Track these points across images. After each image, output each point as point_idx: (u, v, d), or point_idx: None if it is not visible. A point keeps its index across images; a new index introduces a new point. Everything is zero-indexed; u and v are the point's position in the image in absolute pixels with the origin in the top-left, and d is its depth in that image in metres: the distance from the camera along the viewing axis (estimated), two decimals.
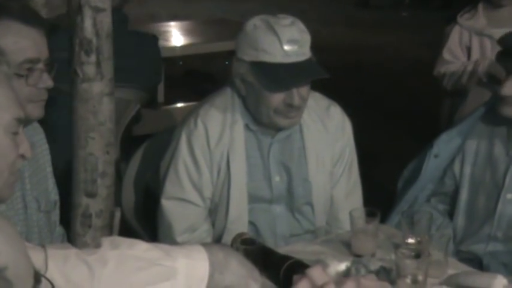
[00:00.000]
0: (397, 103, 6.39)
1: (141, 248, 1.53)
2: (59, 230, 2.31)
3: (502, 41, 2.52)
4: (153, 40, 4.07)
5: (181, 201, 2.52)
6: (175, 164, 2.52)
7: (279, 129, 2.51)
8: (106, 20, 2.38)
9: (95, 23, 2.36)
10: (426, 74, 3.87)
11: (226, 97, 2.54)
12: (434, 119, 3.94)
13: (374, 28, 9.22)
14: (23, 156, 1.64)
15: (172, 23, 6.10)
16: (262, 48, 2.38)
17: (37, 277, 1.22)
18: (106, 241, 1.54)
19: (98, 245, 1.52)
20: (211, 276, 1.56)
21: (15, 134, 1.61)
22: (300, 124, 2.54)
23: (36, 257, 1.44)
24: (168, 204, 2.52)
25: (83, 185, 2.43)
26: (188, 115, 2.58)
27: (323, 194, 2.59)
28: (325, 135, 2.58)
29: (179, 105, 5.15)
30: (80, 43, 2.36)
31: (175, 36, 5.60)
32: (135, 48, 3.76)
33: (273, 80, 2.38)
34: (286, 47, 2.37)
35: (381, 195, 2.84)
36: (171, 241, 2.51)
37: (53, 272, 1.45)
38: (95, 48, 2.37)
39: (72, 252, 1.51)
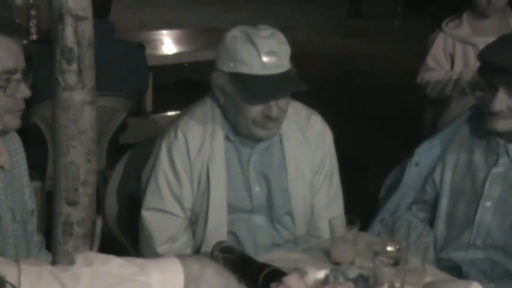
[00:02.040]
0: (388, 112, 6.42)
1: (114, 263, 1.52)
2: (37, 239, 2.31)
3: (481, 56, 2.53)
4: (139, 49, 4.09)
5: (162, 212, 2.52)
6: (155, 175, 2.52)
7: (257, 140, 2.52)
8: (87, 29, 2.39)
9: (76, 31, 2.37)
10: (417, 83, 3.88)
11: (206, 108, 2.54)
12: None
13: (366, 37, 9.24)
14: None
15: (164, 32, 6.11)
16: (240, 60, 2.38)
17: (1, 283, 1.23)
18: (80, 258, 1.52)
19: (72, 262, 1.51)
20: None
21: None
22: (280, 134, 2.55)
23: (10, 272, 1.44)
24: (148, 215, 2.53)
25: (64, 193, 2.44)
26: (168, 126, 2.59)
27: (303, 204, 2.59)
28: (305, 145, 2.58)
29: (168, 113, 5.15)
30: (61, 51, 2.37)
31: (167, 44, 5.61)
32: (122, 57, 3.77)
33: (251, 92, 2.38)
34: (264, 59, 2.36)
35: (368, 204, 2.86)
36: (152, 251, 2.52)
37: None
38: (76, 56, 2.38)
39: (45, 269, 1.50)
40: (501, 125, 2.46)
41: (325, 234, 2.39)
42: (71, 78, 2.38)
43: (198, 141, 2.51)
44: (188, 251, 2.54)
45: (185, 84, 6.59)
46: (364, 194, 3.33)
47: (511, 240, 2.47)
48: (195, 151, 2.50)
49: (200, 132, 2.51)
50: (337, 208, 2.67)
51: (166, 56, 5.34)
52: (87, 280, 1.48)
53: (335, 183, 2.67)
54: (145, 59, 4.06)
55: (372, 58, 8.28)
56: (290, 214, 2.59)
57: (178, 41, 5.80)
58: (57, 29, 2.36)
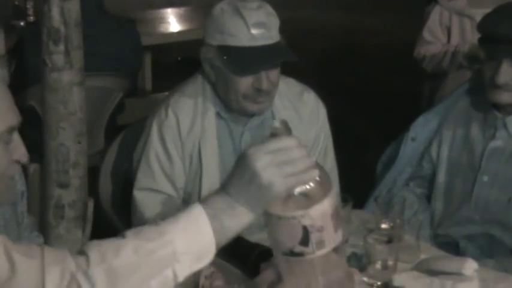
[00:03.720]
0: (391, 86, 6.35)
1: (128, 249, 1.44)
2: (28, 220, 2.28)
3: (481, 27, 2.48)
4: (129, 24, 3.99)
5: (154, 192, 2.49)
6: (147, 155, 2.49)
7: (249, 115, 2.48)
8: (74, 9, 2.36)
9: (63, 11, 2.34)
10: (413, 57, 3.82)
11: (196, 85, 2.51)
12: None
13: (370, 12, 9.16)
14: (18, 162, 1.60)
15: (169, 10, 6.06)
16: (228, 32, 2.35)
17: None
18: (93, 252, 1.45)
19: (83, 252, 1.45)
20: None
21: (8, 142, 1.56)
22: (272, 111, 2.51)
23: (31, 269, 1.42)
24: (140, 195, 2.50)
25: (55, 175, 2.42)
26: (159, 105, 2.55)
27: None
28: (299, 122, 2.55)
29: (168, 93, 5.10)
30: (48, 32, 2.35)
31: (172, 22, 5.57)
32: (111, 34, 3.70)
33: (240, 63, 2.35)
34: (252, 31, 2.33)
35: (369, 181, 2.82)
36: None
37: None
38: (63, 37, 2.35)
39: (66, 266, 1.44)
40: (506, 98, 2.42)
41: None
42: (59, 59, 2.36)
43: (189, 119, 2.48)
44: None
45: (189, 63, 6.55)
46: (364, 170, 3.29)
47: (509, 215, 2.43)
48: (186, 129, 2.47)
49: (191, 110, 2.48)
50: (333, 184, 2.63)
51: (172, 34, 5.29)
52: (103, 280, 1.43)
53: (330, 159, 2.63)
54: (136, 34, 3.96)
55: (375, 32, 8.20)
56: None
57: (183, 18, 5.75)
58: (43, 10, 2.34)
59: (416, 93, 3.91)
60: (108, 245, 1.46)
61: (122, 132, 2.91)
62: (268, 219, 1.56)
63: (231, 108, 2.46)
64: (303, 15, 8.81)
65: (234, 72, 2.36)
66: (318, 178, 1.53)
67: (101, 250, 1.44)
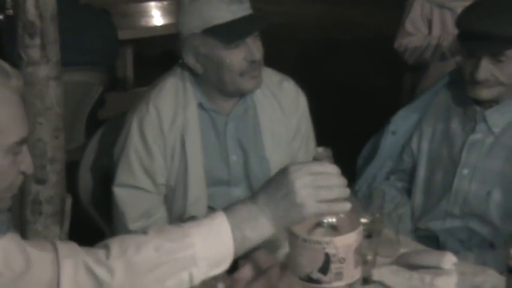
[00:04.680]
0: (375, 81, 6.35)
1: (150, 247, 1.47)
2: (3, 216, 2.25)
3: (459, 23, 2.47)
4: (104, 15, 3.95)
5: (133, 188, 2.47)
6: (126, 151, 2.47)
7: (245, 94, 2.48)
8: (50, 1, 2.33)
9: (38, 4, 2.31)
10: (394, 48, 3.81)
11: (176, 78, 2.49)
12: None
13: (354, 5, 9.15)
14: (23, 173, 1.59)
15: (152, 3, 6.04)
16: (209, 15, 2.37)
17: None
18: (115, 245, 1.48)
19: (106, 246, 1.47)
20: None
21: (17, 154, 1.54)
22: (253, 100, 2.51)
23: (46, 263, 1.44)
24: (119, 192, 2.48)
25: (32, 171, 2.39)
26: (139, 100, 2.53)
27: None
28: (280, 111, 2.55)
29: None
30: (23, 26, 2.32)
31: (155, 16, 5.55)
32: (87, 26, 3.66)
33: (229, 35, 2.36)
34: (231, 7, 2.36)
35: (350, 175, 2.79)
36: (125, 229, 2.47)
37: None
38: (39, 30, 2.32)
39: (80, 260, 1.46)
40: (485, 93, 2.41)
41: None
42: (35, 53, 2.33)
43: (171, 113, 2.46)
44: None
45: (172, 57, 6.52)
46: (346, 165, 3.28)
47: (488, 208, 2.43)
48: (168, 123, 2.45)
49: (172, 104, 2.46)
50: None
51: (154, 28, 5.27)
52: (122, 274, 1.45)
53: (312, 147, 2.62)
54: (112, 27, 3.93)
55: (357, 25, 8.20)
56: None
57: (166, 12, 5.73)
58: (18, 3, 2.31)
59: (397, 86, 3.90)
60: (130, 240, 1.49)
61: (102, 127, 2.88)
62: (292, 240, 1.58)
63: (227, 91, 2.44)
64: (287, 9, 8.81)
65: (225, 45, 2.36)
66: (349, 211, 1.55)
67: (123, 245, 1.47)
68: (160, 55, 6.54)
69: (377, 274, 2.00)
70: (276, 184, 1.50)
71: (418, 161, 2.58)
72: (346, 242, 1.58)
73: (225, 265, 1.51)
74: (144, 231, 1.51)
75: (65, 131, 2.52)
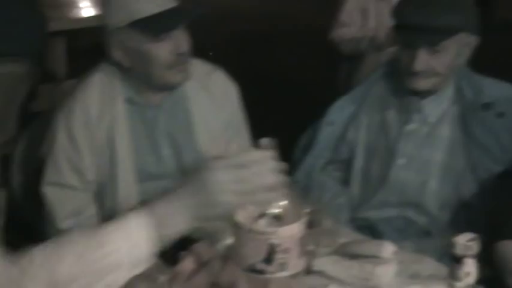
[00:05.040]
0: (309, 72, 6.38)
1: (70, 259, 1.44)
2: None
3: (396, 15, 2.49)
4: (34, 7, 3.86)
5: (61, 186, 2.44)
6: (53, 149, 2.44)
7: (172, 88, 2.46)
8: None
9: None
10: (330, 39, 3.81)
11: (102, 73, 2.47)
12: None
13: None
14: None
15: None
16: (134, 8, 2.34)
17: None
18: (37, 255, 1.44)
19: (28, 255, 1.44)
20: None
21: None
22: (184, 92, 2.50)
23: None
24: (47, 190, 2.44)
25: None
26: (65, 97, 2.50)
27: None
28: (211, 102, 2.54)
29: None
30: None
31: (86, 7, 5.46)
32: (14, 17, 3.58)
33: (154, 29, 2.33)
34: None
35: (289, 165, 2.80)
36: (54, 228, 2.44)
37: None
38: None
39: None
40: (422, 84, 2.44)
41: None
42: None
43: (97, 109, 2.43)
44: (94, 224, 2.46)
45: (102, 48, 6.44)
46: (283, 157, 3.29)
47: (424, 197, 2.46)
48: (95, 119, 2.43)
49: (98, 100, 2.44)
50: None
51: (82, 20, 5.19)
52: (44, 282, 1.42)
53: (245, 136, 2.63)
54: (41, 17, 3.85)
55: (291, 17, 8.23)
56: None
57: (94, 3, 5.65)
58: None
59: (331, 77, 3.92)
60: (52, 248, 1.46)
61: (35, 120, 2.83)
62: (236, 231, 1.57)
63: (155, 84, 2.42)
64: (218, 0, 8.78)
65: (151, 39, 2.34)
66: (293, 201, 1.55)
67: (46, 253, 1.44)
68: (94, 46, 6.46)
69: (318, 264, 2.01)
70: (195, 179, 1.48)
71: (355, 151, 2.60)
72: (291, 233, 1.58)
73: (146, 264, 1.49)
74: (68, 237, 1.48)
75: None
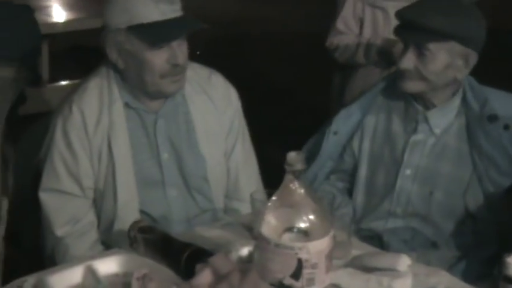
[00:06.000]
0: (284, 77, 6.36)
1: None
2: None
3: (399, 14, 2.49)
4: (26, 10, 3.82)
5: (59, 193, 2.40)
6: (50, 155, 2.41)
7: (165, 97, 2.44)
8: None
9: None
10: (315, 45, 3.81)
11: (100, 78, 2.44)
12: (324, 93, 3.88)
13: (260, 0, 9.17)
14: None
15: None
16: (136, 12, 2.32)
17: None
18: None
19: None
20: None
21: None
22: (184, 95, 2.48)
23: None
24: (45, 197, 2.41)
25: None
26: (62, 101, 2.47)
27: (218, 168, 2.53)
28: (212, 106, 2.52)
29: (66, 82, 4.98)
30: None
31: (57, 11, 5.42)
32: (8, 22, 3.53)
33: (154, 36, 2.31)
34: (160, 6, 2.32)
35: (276, 174, 2.77)
36: (52, 235, 2.41)
37: None
38: None
39: None
40: (409, 86, 2.44)
41: (246, 195, 2.31)
42: None
43: (95, 114, 2.41)
44: (92, 232, 2.43)
45: (82, 51, 6.38)
46: (270, 164, 3.26)
47: (431, 208, 2.47)
48: (93, 125, 2.40)
49: (96, 104, 2.41)
50: (252, 167, 2.63)
51: (57, 24, 5.16)
52: None
53: (247, 141, 2.63)
54: (34, 23, 3.80)
55: (266, 21, 8.22)
56: (205, 179, 2.51)
57: (68, 7, 5.62)
58: None
59: (311, 83, 3.87)
60: None
61: (33, 125, 2.77)
62: (263, 245, 1.55)
63: (148, 91, 2.40)
64: (192, 4, 8.73)
65: (148, 47, 2.32)
66: (321, 215, 1.53)
67: None
68: (70, 50, 6.39)
69: (334, 277, 1.99)
70: None
71: (359, 161, 2.59)
72: (319, 248, 1.57)
73: None
74: None
75: None
